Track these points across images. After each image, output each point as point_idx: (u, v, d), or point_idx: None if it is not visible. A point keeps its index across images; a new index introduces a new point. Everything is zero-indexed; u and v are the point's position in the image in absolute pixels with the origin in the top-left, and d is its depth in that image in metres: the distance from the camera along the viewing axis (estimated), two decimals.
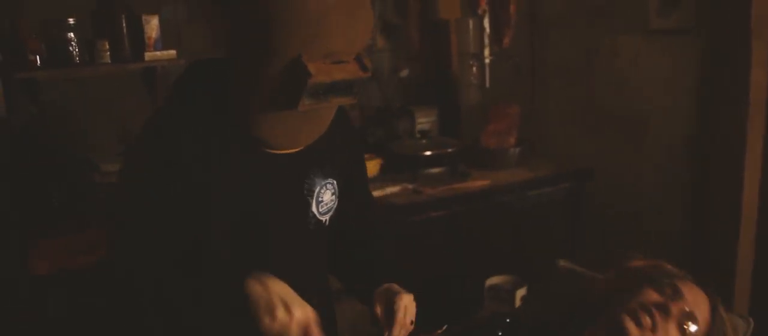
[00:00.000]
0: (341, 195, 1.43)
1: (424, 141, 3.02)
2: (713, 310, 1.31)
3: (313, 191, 1.34)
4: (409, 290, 1.35)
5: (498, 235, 3.50)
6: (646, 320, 1.23)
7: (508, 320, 1.46)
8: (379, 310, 1.30)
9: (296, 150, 1.28)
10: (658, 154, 2.71)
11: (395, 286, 1.34)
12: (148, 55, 2.55)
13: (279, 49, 1.09)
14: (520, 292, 2.96)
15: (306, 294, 1.28)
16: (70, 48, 2.42)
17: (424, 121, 3.22)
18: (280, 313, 1.10)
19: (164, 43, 2.57)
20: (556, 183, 2.84)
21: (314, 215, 1.36)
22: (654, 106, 2.70)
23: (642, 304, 1.25)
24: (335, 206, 1.41)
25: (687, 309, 1.27)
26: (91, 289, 2.35)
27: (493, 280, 3.16)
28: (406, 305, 1.29)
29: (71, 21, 2.41)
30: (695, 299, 1.30)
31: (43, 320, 2.30)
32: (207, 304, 1.18)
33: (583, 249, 2.90)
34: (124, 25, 2.53)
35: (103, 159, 2.53)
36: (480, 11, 3.07)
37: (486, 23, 3.12)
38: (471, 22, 3.36)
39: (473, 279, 3.22)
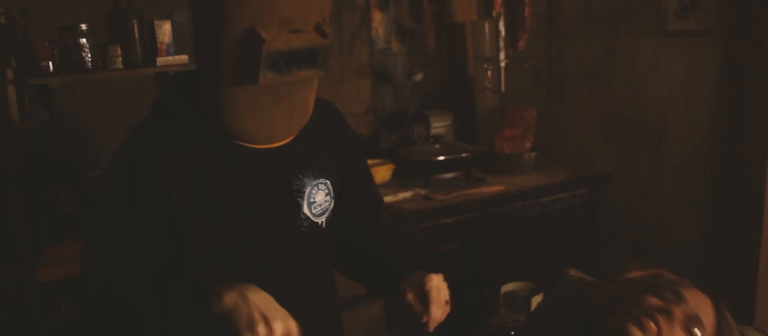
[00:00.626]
0: (340, 196, 1.40)
1: (437, 146, 2.98)
2: (718, 313, 1.29)
3: (304, 192, 1.32)
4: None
5: (513, 242, 3.46)
6: (650, 326, 1.21)
7: (512, 333, 1.43)
8: (410, 296, 1.25)
9: (277, 145, 1.27)
10: (677, 160, 2.66)
11: (421, 271, 1.29)
12: (160, 61, 2.54)
13: (232, 21, 1.10)
14: (536, 299, 2.93)
15: (303, 299, 1.26)
16: (83, 54, 2.42)
17: (438, 125, 3.19)
18: (260, 329, 1.05)
19: (176, 47, 2.56)
20: (572, 189, 2.79)
21: (307, 216, 1.33)
22: (673, 110, 2.64)
23: (644, 310, 1.23)
24: (331, 207, 1.38)
25: (691, 312, 1.24)
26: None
27: (509, 287, 3.14)
28: (438, 285, 1.24)
29: (84, 27, 2.41)
30: (698, 302, 1.27)
31: (53, 327, 2.30)
32: (186, 317, 1.15)
33: (599, 256, 2.85)
34: (136, 30, 2.53)
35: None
36: (495, 14, 3.03)
37: (501, 26, 3.08)
38: (486, 26, 3.32)
39: (489, 286, 3.20)
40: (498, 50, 3.15)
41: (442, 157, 2.84)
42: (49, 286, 2.22)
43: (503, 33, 3.09)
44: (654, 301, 1.24)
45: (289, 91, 1.19)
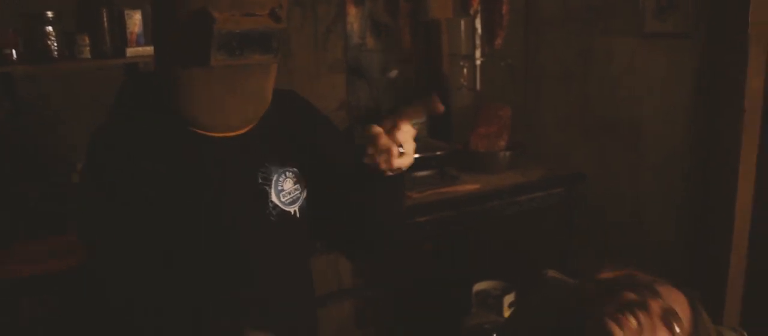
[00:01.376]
0: (317, 180, 1.38)
1: None
2: (693, 309, 1.27)
3: (271, 180, 1.30)
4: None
5: (487, 241, 3.45)
6: (630, 321, 1.18)
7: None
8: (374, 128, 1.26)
9: (237, 133, 1.25)
10: (652, 160, 2.67)
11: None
12: (130, 51, 2.48)
13: (186, 1, 1.10)
14: (508, 299, 2.92)
15: (277, 290, 1.28)
16: (49, 42, 2.36)
17: (413, 122, 3.15)
18: None
19: (147, 38, 2.50)
20: (547, 188, 2.78)
21: (276, 205, 1.31)
22: (649, 111, 2.65)
23: (621, 305, 1.21)
24: (303, 196, 1.36)
25: (668, 306, 1.22)
26: (69, 292, 2.28)
27: (481, 286, 3.12)
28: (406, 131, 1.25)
29: (50, 14, 2.35)
30: (674, 298, 1.26)
31: (18, 325, 2.23)
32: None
33: (576, 255, 2.85)
34: (105, 19, 2.46)
35: (83, 158, 2.45)
36: (472, 11, 3.01)
37: (478, 24, 3.07)
38: (463, 23, 3.30)
39: (461, 285, 3.18)
40: (474, 48, 3.14)
41: (416, 155, 2.80)
42: (13, 284, 2.15)
43: (479, 30, 3.07)
44: (631, 296, 1.22)
45: (244, 78, 1.18)
